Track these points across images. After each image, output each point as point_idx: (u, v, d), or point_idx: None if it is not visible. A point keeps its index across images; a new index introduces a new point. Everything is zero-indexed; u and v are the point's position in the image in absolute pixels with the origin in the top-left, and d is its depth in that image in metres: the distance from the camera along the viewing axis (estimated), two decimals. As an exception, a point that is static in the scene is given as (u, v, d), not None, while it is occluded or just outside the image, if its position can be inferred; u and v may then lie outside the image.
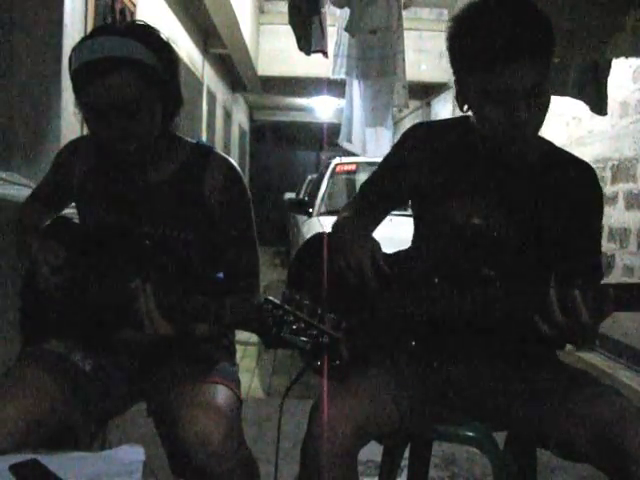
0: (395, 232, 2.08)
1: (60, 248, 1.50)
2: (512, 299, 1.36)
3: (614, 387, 1.42)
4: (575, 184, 1.49)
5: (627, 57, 2.79)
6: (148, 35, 1.47)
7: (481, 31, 1.34)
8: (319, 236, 1.67)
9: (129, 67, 1.40)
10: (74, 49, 1.45)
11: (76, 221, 1.65)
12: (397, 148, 1.63)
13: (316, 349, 1.21)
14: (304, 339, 1.20)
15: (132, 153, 1.47)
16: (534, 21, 1.35)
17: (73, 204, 1.66)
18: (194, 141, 1.62)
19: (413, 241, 1.63)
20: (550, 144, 1.53)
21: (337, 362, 1.29)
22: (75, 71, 1.42)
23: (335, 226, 1.63)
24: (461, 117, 1.59)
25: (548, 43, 1.35)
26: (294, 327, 1.20)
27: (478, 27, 1.35)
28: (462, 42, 1.39)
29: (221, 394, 1.45)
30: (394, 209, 1.69)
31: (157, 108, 1.47)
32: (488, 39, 1.32)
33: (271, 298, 1.23)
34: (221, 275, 1.61)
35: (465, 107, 1.45)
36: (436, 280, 1.44)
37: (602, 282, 1.37)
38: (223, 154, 1.63)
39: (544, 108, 1.38)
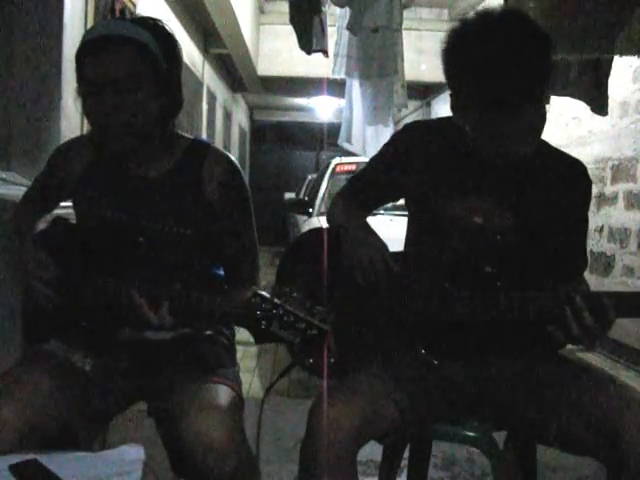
0: (395, 232, 2.08)
1: (49, 260, 1.50)
2: (524, 308, 1.37)
3: (613, 379, 1.43)
4: (568, 180, 1.52)
5: (623, 55, 2.78)
6: (155, 25, 1.50)
7: (478, 46, 1.34)
8: (313, 232, 1.67)
9: (130, 46, 1.43)
10: (84, 33, 1.49)
11: (73, 221, 1.65)
12: (390, 147, 1.63)
13: (305, 342, 1.20)
14: (292, 333, 1.20)
15: (126, 144, 1.46)
16: (531, 37, 1.35)
17: (70, 204, 1.66)
18: (192, 137, 1.63)
19: (407, 240, 1.63)
20: (544, 143, 1.54)
21: (332, 359, 1.29)
22: (79, 49, 1.45)
23: (338, 225, 1.63)
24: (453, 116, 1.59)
25: (545, 62, 1.35)
26: (283, 321, 1.20)
27: (475, 43, 1.35)
28: (458, 56, 1.39)
29: (223, 394, 1.45)
30: (381, 207, 1.71)
31: (150, 96, 1.46)
32: (483, 55, 1.33)
33: (260, 292, 1.23)
34: (221, 272, 1.61)
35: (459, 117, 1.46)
36: (446, 285, 1.45)
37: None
38: (221, 149, 1.64)
39: (541, 120, 1.39)
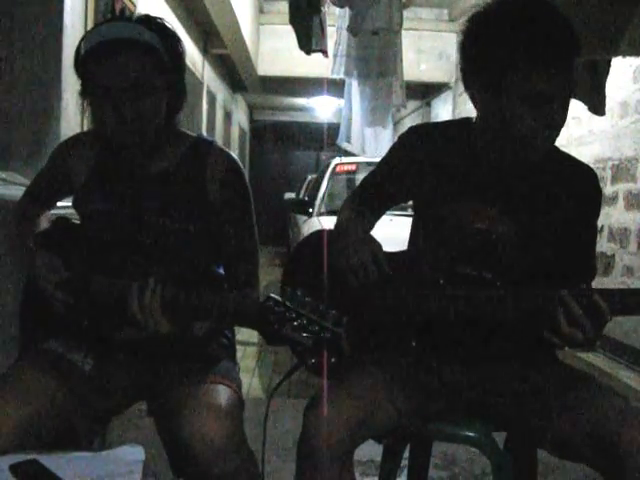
0: (395, 232, 2.08)
1: (59, 262, 1.50)
2: (516, 304, 1.37)
3: (612, 387, 1.43)
4: (577, 187, 1.50)
5: (623, 56, 2.78)
6: (157, 24, 1.50)
7: (514, 37, 1.33)
8: (318, 234, 1.67)
9: (137, 49, 1.43)
10: (85, 35, 1.49)
11: (76, 221, 1.65)
12: (396, 149, 1.62)
13: (318, 345, 1.21)
14: (306, 335, 1.20)
15: (134, 143, 1.47)
16: (562, 23, 1.35)
17: (70, 204, 1.66)
18: (195, 134, 1.63)
19: (410, 241, 1.63)
20: (554, 147, 1.53)
21: (333, 360, 1.28)
22: (85, 53, 1.44)
23: (336, 227, 1.63)
24: (461, 119, 1.58)
25: (578, 46, 1.36)
26: (296, 324, 1.20)
27: (508, 32, 1.34)
28: (491, 47, 1.36)
29: (223, 394, 1.45)
30: (391, 208, 1.70)
31: (161, 96, 1.48)
32: (523, 45, 1.32)
33: (273, 295, 1.23)
34: (221, 271, 1.62)
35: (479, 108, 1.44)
36: (441, 281, 1.44)
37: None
38: (224, 147, 1.64)
39: (567, 111, 1.39)
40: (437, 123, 1.66)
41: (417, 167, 1.54)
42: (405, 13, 4.30)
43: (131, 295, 1.38)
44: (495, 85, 1.37)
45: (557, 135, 1.41)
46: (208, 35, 7.81)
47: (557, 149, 1.52)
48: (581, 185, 1.50)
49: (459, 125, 1.56)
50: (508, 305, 1.37)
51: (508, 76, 1.34)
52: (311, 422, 1.33)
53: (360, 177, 2.55)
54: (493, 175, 1.48)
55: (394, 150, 1.62)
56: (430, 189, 1.53)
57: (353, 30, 4.10)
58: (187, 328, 1.45)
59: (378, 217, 1.67)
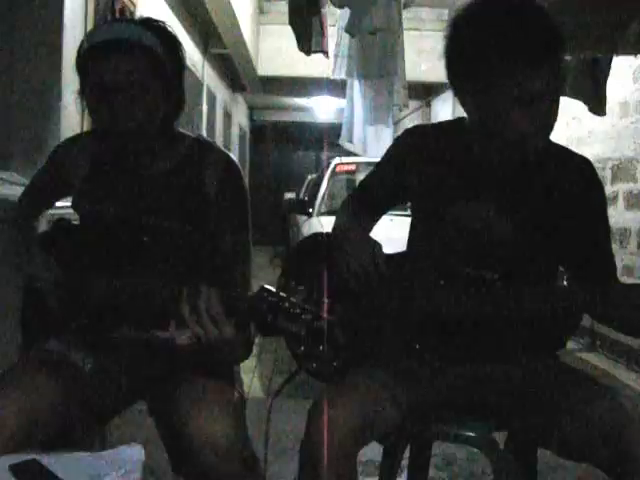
0: (395, 232, 2.07)
1: (53, 262, 1.51)
2: (518, 302, 1.37)
3: (614, 387, 1.43)
4: (574, 180, 1.48)
5: (622, 55, 2.78)
6: (159, 28, 1.51)
7: (496, 37, 1.33)
8: (315, 236, 1.67)
9: (138, 50, 1.43)
10: (87, 35, 1.50)
11: (75, 222, 1.65)
12: (392, 152, 1.62)
13: (311, 334, 1.20)
14: (299, 324, 1.20)
15: (133, 145, 1.47)
16: (544, 20, 1.35)
17: (69, 204, 1.66)
18: (194, 135, 1.63)
19: (409, 242, 1.63)
20: (551, 142, 1.52)
21: (334, 364, 1.28)
22: (85, 52, 1.45)
23: (335, 229, 1.63)
24: (457, 119, 1.58)
25: (561, 42, 1.36)
26: (289, 313, 1.20)
27: (490, 33, 1.34)
28: (474, 48, 1.36)
29: (224, 393, 1.45)
30: (389, 209, 1.70)
31: (158, 99, 1.48)
32: (505, 45, 1.32)
33: (266, 286, 1.23)
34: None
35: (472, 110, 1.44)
36: (442, 282, 1.44)
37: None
38: (222, 148, 1.65)
39: (557, 108, 1.39)
40: (432, 124, 1.67)
41: (414, 168, 1.54)
42: (405, 13, 4.30)
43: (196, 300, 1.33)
44: (482, 87, 1.37)
45: (550, 132, 1.41)
46: (208, 35, 7.81)
47: (552, 143, 1.51)
48: (577, 176, 1.49)
49: (454, 125, 1.56)
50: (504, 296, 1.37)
51: (494, 78, 1.34)
52: (314, 424, 1.33)
53: (360, 177, 2.55)
54: (489, 174, 1.48)
55: (390, 152, 1.63)
56: (427, 190, 1.53)
57: (350, 31, 4.10)
58: (246, 329, 1.44)
59: (377, 218, 1.68)
